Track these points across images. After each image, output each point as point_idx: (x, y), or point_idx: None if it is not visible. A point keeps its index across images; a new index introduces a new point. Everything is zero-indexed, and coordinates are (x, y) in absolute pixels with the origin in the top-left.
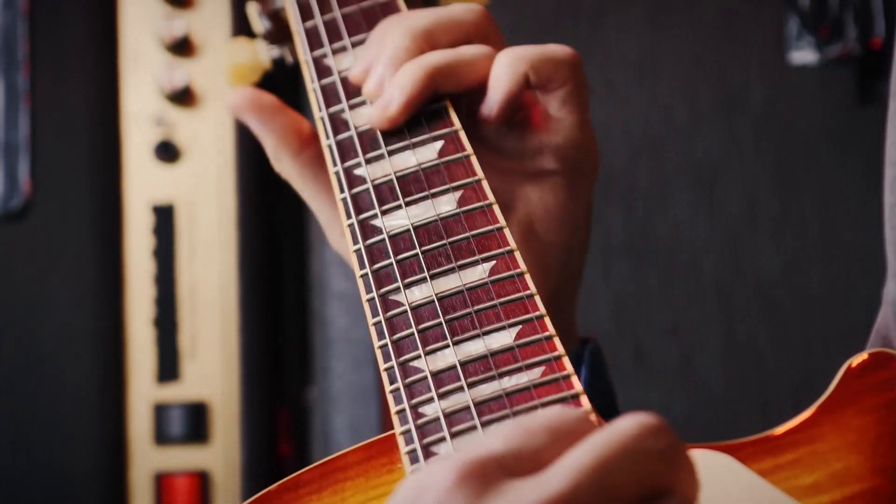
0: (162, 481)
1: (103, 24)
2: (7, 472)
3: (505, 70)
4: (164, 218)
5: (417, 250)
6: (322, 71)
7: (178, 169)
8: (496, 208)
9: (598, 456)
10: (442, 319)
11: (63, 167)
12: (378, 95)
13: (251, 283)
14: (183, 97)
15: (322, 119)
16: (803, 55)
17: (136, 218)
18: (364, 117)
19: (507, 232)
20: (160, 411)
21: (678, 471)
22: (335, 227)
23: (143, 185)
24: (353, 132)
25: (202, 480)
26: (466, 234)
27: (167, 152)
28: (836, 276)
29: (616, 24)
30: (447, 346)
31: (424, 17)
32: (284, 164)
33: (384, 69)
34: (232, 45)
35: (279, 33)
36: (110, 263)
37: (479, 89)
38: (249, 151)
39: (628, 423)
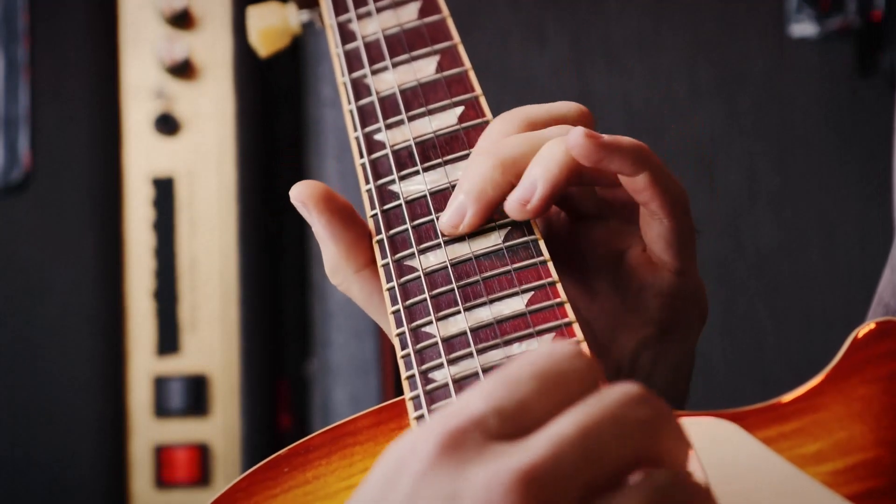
0: (162, 454)
1: None
2: (7, 442)
3: (621, 150)
4: (164, 190)
5: (433, 216)
6: (346, 36)
7: (178, 141)
8: None
9: (582, 425)
10: (455, 285)
11: (63, 140)
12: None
13: (251, 255)
14: (183, 70)
15: (344, 84)
16: (803, 28)
17: (136, 190)
18: (386, 83)
19: None
20: (160, 384)
21: (665, 439)
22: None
23: (142, 157)
24: (374, 97)
25: (202, 453)
26: None
27: (167, 125)
28: (836, 249)
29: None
30: (459, 311)
31: (536, 109)
32: (343, 278)
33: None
34: (261, 10)
35: None
36: (110, 236)
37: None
38: (249, 124)
39: (613, 392)
